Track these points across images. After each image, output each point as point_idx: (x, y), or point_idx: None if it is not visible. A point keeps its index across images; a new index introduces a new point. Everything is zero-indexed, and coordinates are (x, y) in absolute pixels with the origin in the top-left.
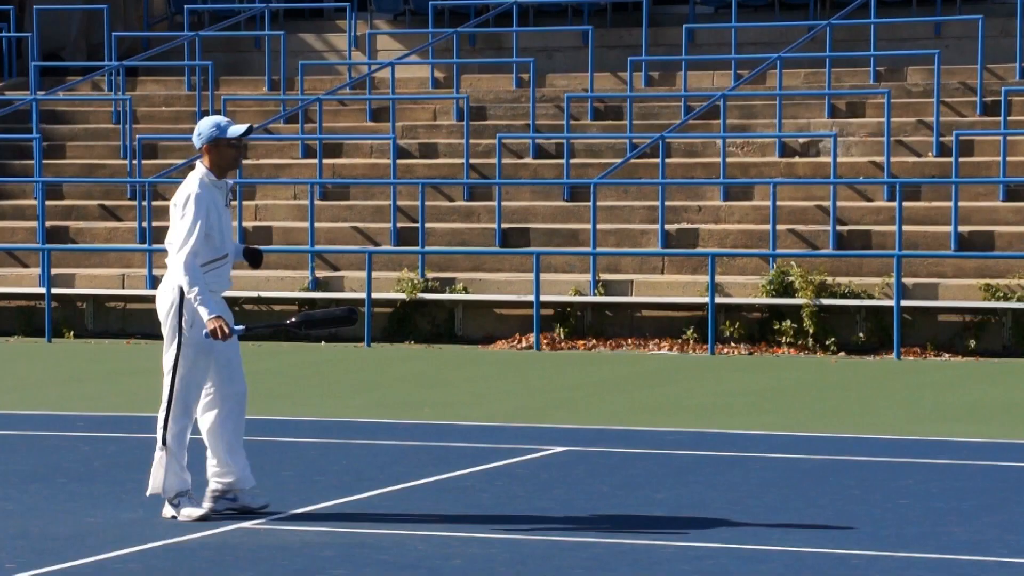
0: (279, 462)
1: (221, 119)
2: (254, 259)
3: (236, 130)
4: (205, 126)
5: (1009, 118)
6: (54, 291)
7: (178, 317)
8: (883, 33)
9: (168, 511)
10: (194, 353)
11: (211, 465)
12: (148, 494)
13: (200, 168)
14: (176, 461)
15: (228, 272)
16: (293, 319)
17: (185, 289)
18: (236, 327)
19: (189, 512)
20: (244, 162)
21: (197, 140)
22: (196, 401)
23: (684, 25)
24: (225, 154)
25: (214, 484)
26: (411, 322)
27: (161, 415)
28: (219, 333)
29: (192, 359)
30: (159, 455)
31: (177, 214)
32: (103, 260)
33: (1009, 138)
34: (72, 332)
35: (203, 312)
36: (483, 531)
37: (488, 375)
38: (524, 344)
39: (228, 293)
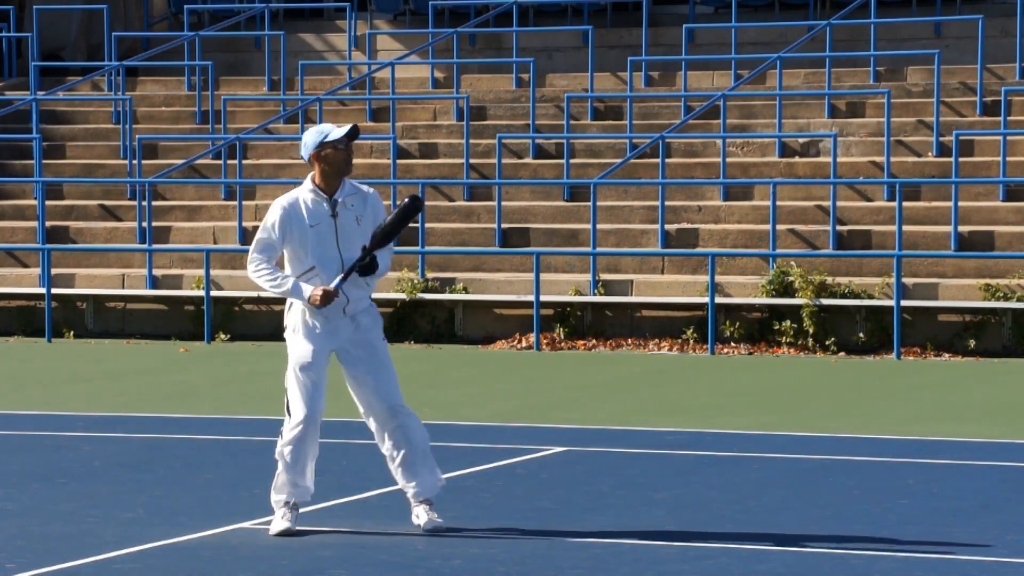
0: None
1: (325, 126)
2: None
3: (339, 133)
4: (310, 135)
5: (1009, 118)
6: (54, 291)
7: (286, 329)
8: (883, 33)
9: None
10: (296, 364)
11: None
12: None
13: (306, 181)
14: (286, 472)
15: (324, 283)
16: (366, 245)
17: (270, 291)
18: (336, 283)
19: (275, 525)
20: (244, 162)
21: (304, 151)
22: (309, 409)
23: (684, 25)
24: (332, 159)
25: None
26: (411, 322)
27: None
28: (324, 300)
29: (296, 369)
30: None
31: None
32: (103, 260)
33: (1009, 138)
34: (72, 332)
35: (299, 299)
36: (483, 531)
37: (488, 375)
38: (524, 344)
39: (226, 294)
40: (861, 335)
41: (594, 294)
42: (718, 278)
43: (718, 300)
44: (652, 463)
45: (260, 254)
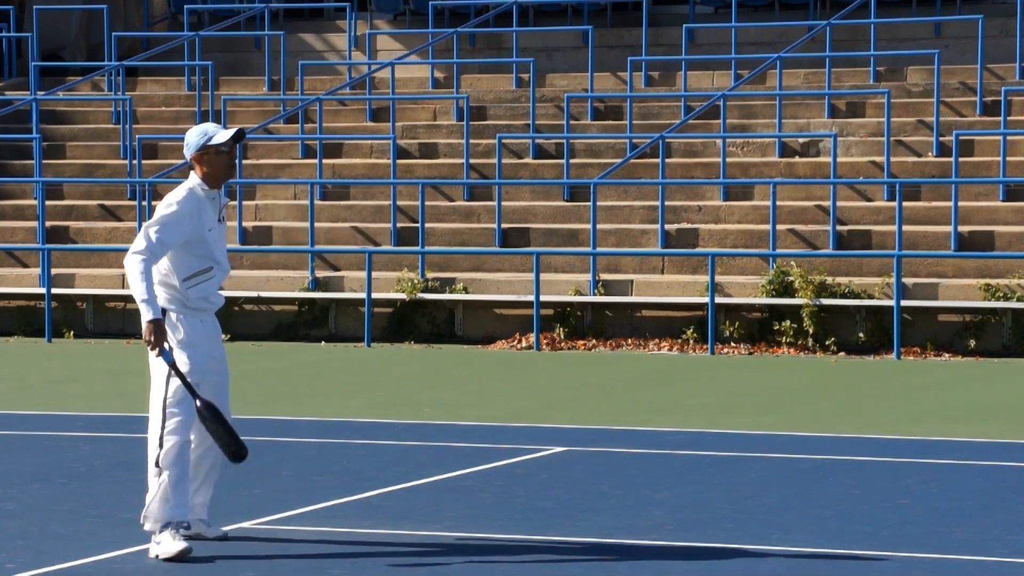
0: (279, 462)
1: (209, 126)
2: None
3: (224, 135)
4: (192, 135)
5: (1009, 118)
6: (54, 291)
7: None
8: (883, 33)
9: (153, 549)
10: (195, 368)
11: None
12: (146, 528)
13: (192, 178)
14: (171, 485)
15: (215, 287)
16: (199, 404)
17: (168, 303)
18: (166, 351)
19: (166, 549)
20: (244, 162)
21: (186, 151)
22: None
23: (684, 25)
24: (215, 162)
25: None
26: (411, 322)
27: (154, 433)
28: (153, 344)
29: (192, 373)
30: (155, 480)
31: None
32: (103, 260)
33: (1009, 138)
34: (72, 332)
35: (144, 315)
36: (483, 531)
37: (488, 375)
38: (524, 344)
39: (227, 293)
40: (861, 335)
41: (594, 294)
42: (718, 278)
43: (718, 300)
44: (652, 463)
45: (154, 247)
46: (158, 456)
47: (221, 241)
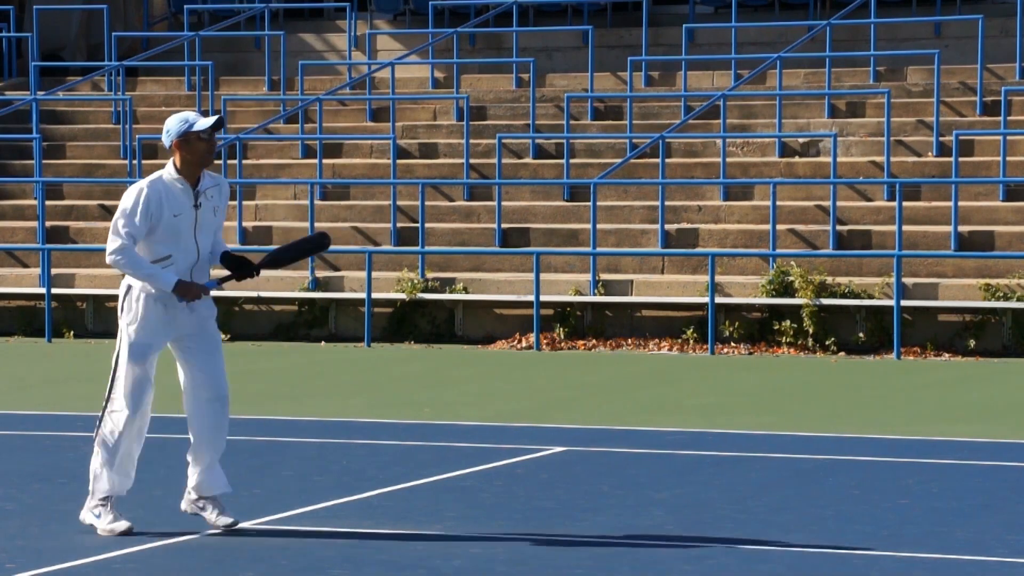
0: (279, 462)
1: (189, 113)
2: (239, 268)
3: (205, 123)
4: (173, 122)
5: (1009, 118)
6: (54, 291)
7: (121, 314)
8: (883, 33)
9: (87, 516)
10: (131, 353)
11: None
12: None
13: (167, 167)
14: (108, 460)
15: (180, 273)
16: (259, 271)
17: (134, 280)
18: (209, 282)
19: (111, 526)
20: (244, 162)
21: (166, 138)
22: (138, 402)
23: (684, 25)
24: (195, 148)
25: (189, 488)
26: (411, 322)
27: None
28: (191, 295)
29: (130, 359)
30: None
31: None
32: (103, 260)
33: (1009, 138)
34: (72, 332)
35: (164, 287)
36: (483, 531)
37: (488, 375)
38: (524, 344)
39: (226, 294)
40: (861, 335)
41: (594, 294)
42: (718, 278)
43: (718, 300)
44: (652, 463)
45: (125, 240)
46: (99, 431)
47: (199, 226)
